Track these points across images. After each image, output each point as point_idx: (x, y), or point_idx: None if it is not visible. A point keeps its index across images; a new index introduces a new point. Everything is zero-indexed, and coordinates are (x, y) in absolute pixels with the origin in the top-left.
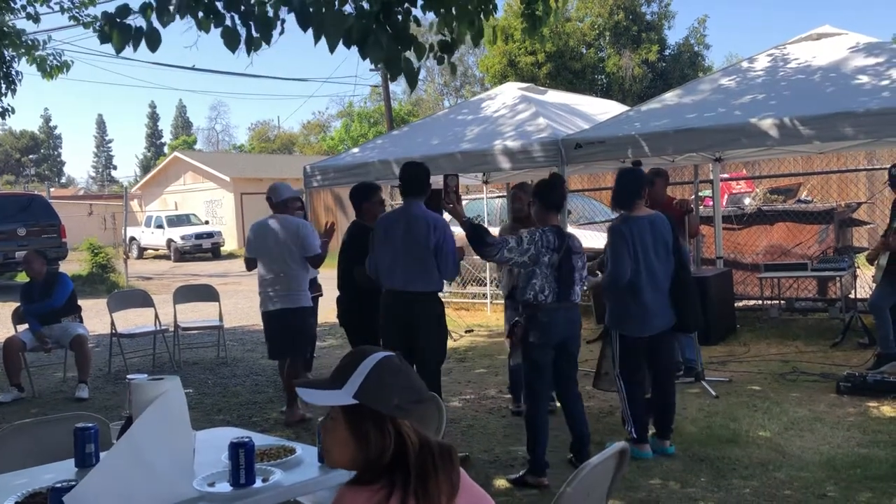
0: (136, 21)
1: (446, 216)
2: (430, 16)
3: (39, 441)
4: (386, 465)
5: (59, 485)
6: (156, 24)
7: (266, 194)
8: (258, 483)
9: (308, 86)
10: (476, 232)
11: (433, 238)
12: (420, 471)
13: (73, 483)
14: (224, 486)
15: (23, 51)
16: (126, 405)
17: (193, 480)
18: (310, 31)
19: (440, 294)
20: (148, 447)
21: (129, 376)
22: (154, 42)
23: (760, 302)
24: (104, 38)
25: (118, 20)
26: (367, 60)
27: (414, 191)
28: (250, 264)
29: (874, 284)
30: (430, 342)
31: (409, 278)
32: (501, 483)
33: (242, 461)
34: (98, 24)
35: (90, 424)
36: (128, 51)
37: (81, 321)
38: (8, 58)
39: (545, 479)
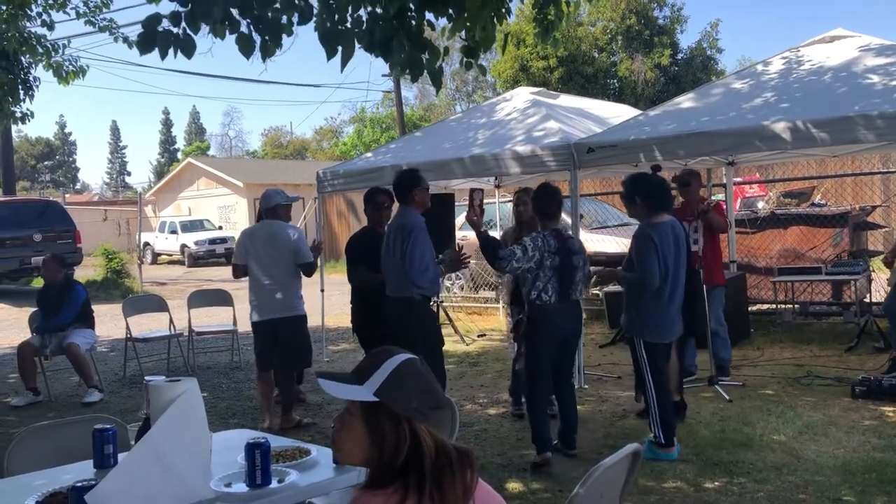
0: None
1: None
2: (444, 21)
3: (57, 443)
4: (399, 467)
5: (79, 484)
6: (188, 30)
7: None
8: (274, 484)
9: (321, 92)
10: (490, 245)
11: (407, 244)
12: (437, 475)
13: (93, 482)
14: (240, 487)
15: (40, 57)
16: (143, 407)
17: (210, 481)
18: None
19: (435, 300)
20: (167, 447)
21: (146, 378)
22: (189, 49)
23: (774, 306)
24: (145, 48)
25: (159, 29)
26: (387, 65)
27: (399, 197)
28: (238, 271)
29: (889, 288)
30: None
31: (392, 285)
32: (514, 486)
33: (259, 462)
34: (137, 33)
35: (108, 426)
36: (144, 57)
37: (93, 327)
38: (26, 64)
39: (548, 454)
